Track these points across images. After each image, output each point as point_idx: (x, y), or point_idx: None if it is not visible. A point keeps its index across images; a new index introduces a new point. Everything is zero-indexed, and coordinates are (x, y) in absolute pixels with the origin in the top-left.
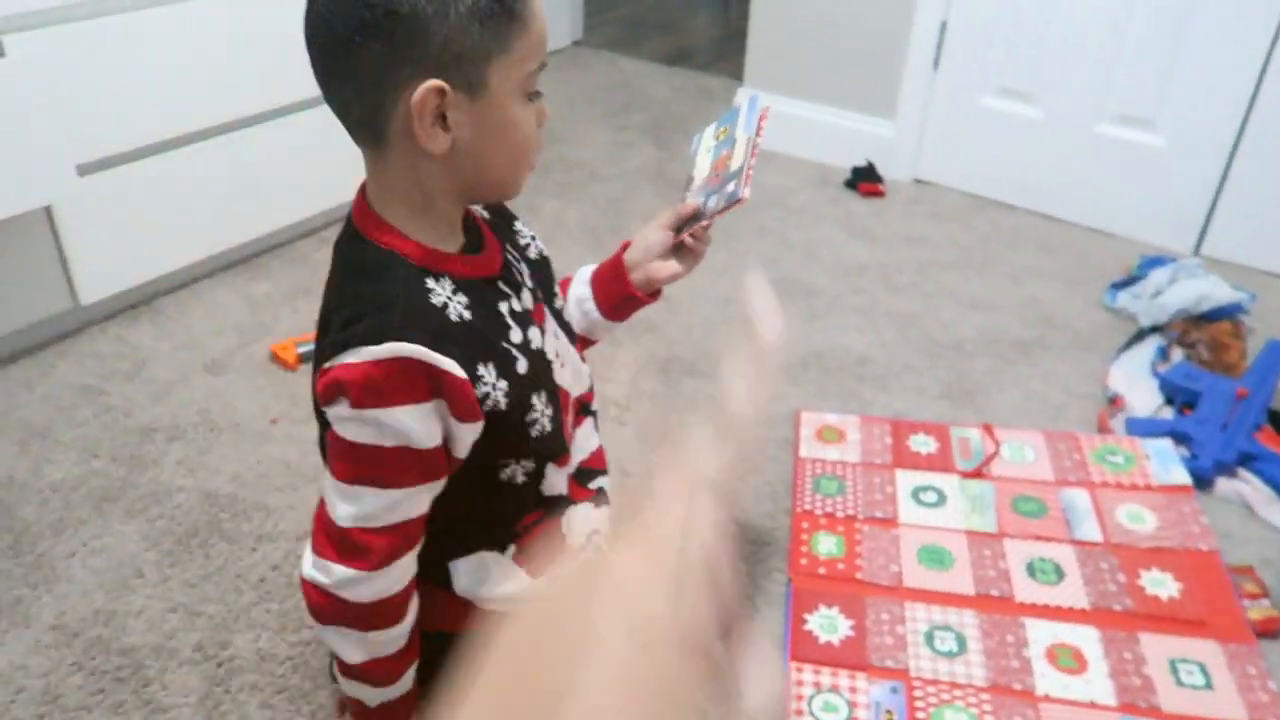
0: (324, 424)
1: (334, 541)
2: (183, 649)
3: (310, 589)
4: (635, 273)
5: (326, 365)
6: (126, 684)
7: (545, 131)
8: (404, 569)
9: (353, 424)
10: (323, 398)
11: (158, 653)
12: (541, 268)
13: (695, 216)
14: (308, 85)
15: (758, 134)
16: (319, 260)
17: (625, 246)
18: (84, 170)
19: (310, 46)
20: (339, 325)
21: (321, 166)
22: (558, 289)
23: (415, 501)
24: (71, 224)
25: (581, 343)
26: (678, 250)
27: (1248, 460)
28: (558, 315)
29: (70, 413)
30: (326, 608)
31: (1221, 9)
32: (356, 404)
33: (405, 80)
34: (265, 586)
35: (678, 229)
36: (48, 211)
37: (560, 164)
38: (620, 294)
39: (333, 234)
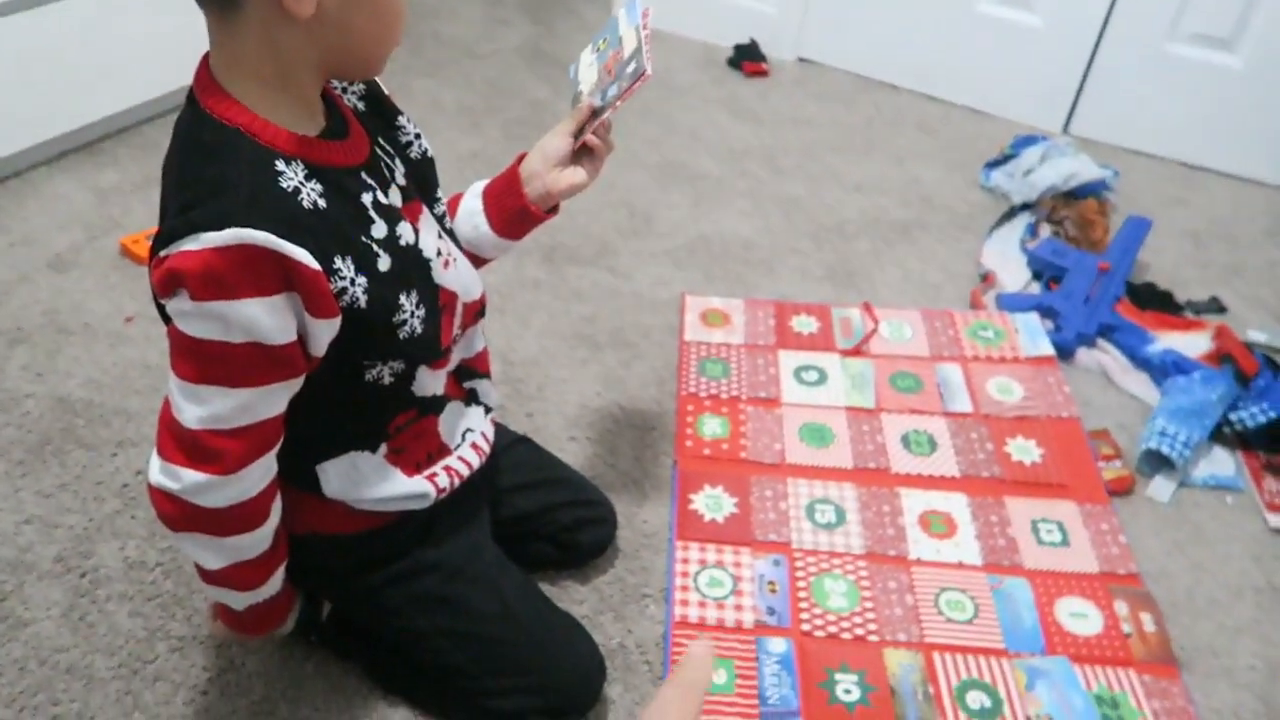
0: (167, 319)
1: (183, 445)
2: (41, 562)
3: (159, 496)
4: (532, 184)
5: (162, 253)
6: None
7: (414, 6)
8: (261, 472)
9: (195, 319)
10: (160, 289)
11: (14, 567)
12: (423, 167)
13: (594, 115)
14: None
15: (644, 27)
16: None
17: (521, 159)
18: None
19: None
20: (176, 210)
21: (171, 40)
22: (441, 195)
23: (270, 401)
24: None
25: (470, 260)
26: (579, 157)
27: (1108, 331)
28: (440, 220)
29: None
30: (178, 515)
31: None
32: (198, 296)
33: None
34: (129, 493)
35: (577, 134)
36: None
37: (433, 41)
38: (514, 207)
39: None
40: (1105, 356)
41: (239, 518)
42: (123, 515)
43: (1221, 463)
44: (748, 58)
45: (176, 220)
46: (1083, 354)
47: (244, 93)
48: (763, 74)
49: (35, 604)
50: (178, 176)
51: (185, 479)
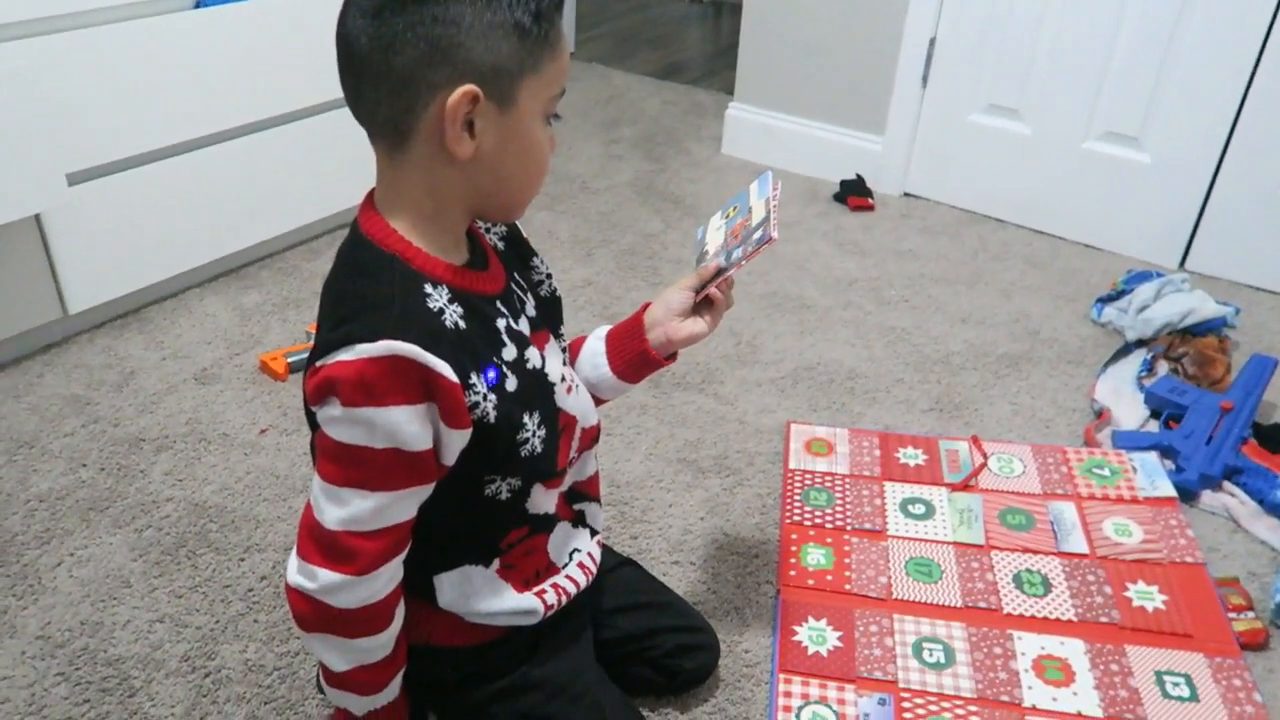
0: (314, 426)
1: (321, 546)
2: (169, 660)
3: (295, 596)
4: (654, 332)
5: (319, 364)
6: (112, 695)
7: None
8: (391, 574)
9: (343, 424)
10: (313, 397)
11: (144, 664)
12: (551, 304)
13: (718, 274)
14: (299, 96)
15: (774, 198)
16: (310, 271)
17: (645, 307)
18: (74, 179)
19: (345, 43)
20: (332, 324)
21: (312, 177)
22: (564, 332)
23: (403, 506)
24: (61, 233)
25: None
26: (699, 309)
27: (1233, 474)
28: (563, 352)
29: (58, 423)
30: (312, 614)
31: (1206, 30)
32: (348, 403)
33: (441, 83)
34: (253, 597)
35: (699, 289)
36: (37, 220)
37: (551, 176)
38: (635, 351)
39: (323, 244)
40: (1231, 500)
41: (367, 619)
42: (246, 618)
43: None
44: (853, 193)
45: (333, 334)
46: (1206, 496)
47: (401, 222)
48: (868, 208)
49: (161, 700)
50: (335, 294)
51: (321, 578)
